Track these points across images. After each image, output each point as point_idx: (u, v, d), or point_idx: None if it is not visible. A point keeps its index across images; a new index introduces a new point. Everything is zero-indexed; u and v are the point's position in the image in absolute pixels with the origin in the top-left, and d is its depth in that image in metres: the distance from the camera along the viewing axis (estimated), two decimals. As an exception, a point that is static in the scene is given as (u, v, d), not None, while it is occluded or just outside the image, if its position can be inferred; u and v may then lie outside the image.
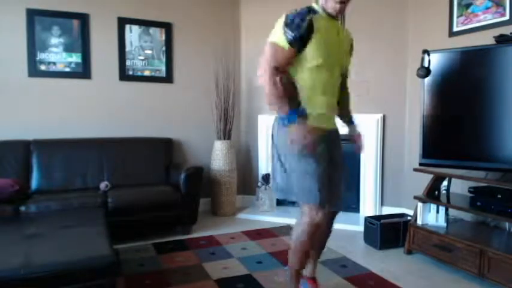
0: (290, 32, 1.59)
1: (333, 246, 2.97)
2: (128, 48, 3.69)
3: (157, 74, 3.83)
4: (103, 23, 3.58)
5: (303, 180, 1.69)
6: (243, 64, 4.13)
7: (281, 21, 1.62)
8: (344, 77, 1.97)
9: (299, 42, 1.60)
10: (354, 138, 2.00)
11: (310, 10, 1.66)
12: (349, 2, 1.69)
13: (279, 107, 1.63)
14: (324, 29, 1.64)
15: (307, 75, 1.69)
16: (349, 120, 2.07)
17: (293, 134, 1.57)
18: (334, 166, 1.79)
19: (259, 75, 1.66)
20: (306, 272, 2.01)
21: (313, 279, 2.06)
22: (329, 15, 1.70)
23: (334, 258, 2.72)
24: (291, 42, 1.60)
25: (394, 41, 3.51)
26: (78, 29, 3.49)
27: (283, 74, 1.66)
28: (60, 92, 3.47)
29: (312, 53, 1.64)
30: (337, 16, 1.74)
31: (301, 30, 1.58)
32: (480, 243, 2.31)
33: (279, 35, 1.61)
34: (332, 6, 1.65)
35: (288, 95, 1.63)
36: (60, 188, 3.14)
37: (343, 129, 1.99)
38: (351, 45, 1.95)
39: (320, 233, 1.81)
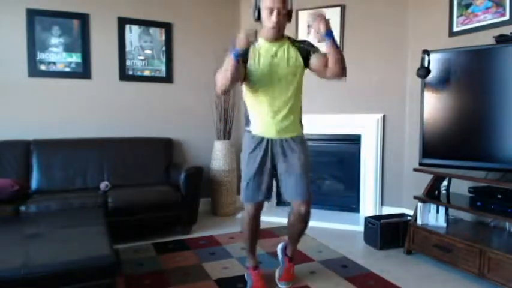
0: (234, 52, 1.83)
1: (333, 246, 2.97)
2: (127, 48, 3.69)
3: (157, 74, 3.83)
4: (103, 23, 3.59)
5: (242, 178, 2.12)
6: (243, 64, 4.13)
7: None
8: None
9: (241, 57, 1.88)
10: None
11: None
12: (283, 27, 1.95)
13: (228, 59, 1.87)
14: (259, 54, 1.98)
15: (248, 95, 2.07)
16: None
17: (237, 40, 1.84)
18: (277, 167, 2.08)
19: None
20: (287, 251, 2.34)
21: (288, 258, 2.34)
22: (269, 40, 1.98)
23: (334, 258, 2.72)
24: (235, 56, 1.84)
25: (394, 40, 3.51)
26: (78, 29, 3.49)
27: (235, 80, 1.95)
28: (60, 92, 3.47)
29: (249, 73, 1.99)
30: (278, 37, 1.98)
31: (239, 50, 1.83)
32: (480, 243, 2.31)
33: (227, 57, 1.89)
34: (269, 33, 1.96)
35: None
36: (60, 188, 3.14)
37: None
38: (305, 51, 2.01)
39: (255, 225, 2.18)
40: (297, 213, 2.11)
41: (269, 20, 1.91)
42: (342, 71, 1.93)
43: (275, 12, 1.88)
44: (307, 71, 2.08)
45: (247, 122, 2.14)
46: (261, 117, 2.04)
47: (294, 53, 2.01)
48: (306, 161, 2.07)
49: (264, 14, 1.92)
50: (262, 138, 2.06)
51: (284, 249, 2.38)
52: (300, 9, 3.69)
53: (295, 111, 2.08)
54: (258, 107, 2.05)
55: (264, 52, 1.99)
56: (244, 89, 2.09)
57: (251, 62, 1.99)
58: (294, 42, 2.05)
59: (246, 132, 2.15)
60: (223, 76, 1.90)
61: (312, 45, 2.04)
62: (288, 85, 2.00)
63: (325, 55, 1.95)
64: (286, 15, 1.95)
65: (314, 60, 2.00)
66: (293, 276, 2.33)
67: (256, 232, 2.23)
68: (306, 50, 2.02)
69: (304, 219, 2.13)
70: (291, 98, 2.02)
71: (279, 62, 1.98)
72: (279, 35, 1.98)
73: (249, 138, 2.10)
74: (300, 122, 2.14)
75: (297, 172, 2.04)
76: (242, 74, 1.99)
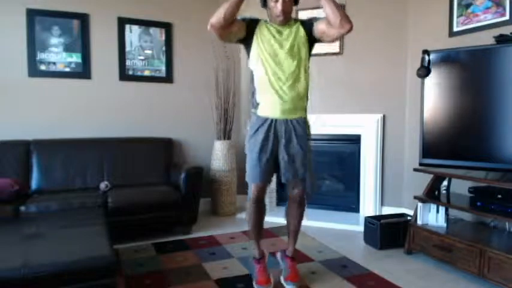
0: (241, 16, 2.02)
1: (333, 246, 2.97)
2: (127, 48, 3.69)
3: (157, 74, 3.83)
4: (103, 23, 3.58)
5: (247, 160, 2.15)
6: (243, 64, 4.13)
7: None
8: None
9: (247, 21, 2.06)
10: None
11: (259, 19, 2.08)
12: (289, 13, 2.01)
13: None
14: (265, 32, 2.04)
15: (255, 75, 2.10)
16: None
17: None
18: (280, 148, 2.09)
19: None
20: (288, 252, 2.35)
21: (290, 258, 2.33)
22: (277, 24, 2.05)
23: (334, 258, 2.72)
24: (241, 18, 2.04)
25: (394, 40, 3.51)
26: (78, 29, 3.49)
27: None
28: (60, 92, 3.47)
29: (252, 56, 2.07)
30: (285, 23, 2.05)
31: (248, 19, 2.05)
32: (480, 243, 2.31)
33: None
34: (273, 19, 2.04)
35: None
36: (60, 188, 3.14)
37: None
38: (309, 25, 2.07)
39: (261, 207, 2.21)
40: (292, 196, 2.20)
41: (275, 8, 1.97)
42: (342, 20, 1.91)
43: (280, 0, 1.95)
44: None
45: (254, 105, 2.16)
46: (267, 96, 2.07)
47: (299, 30, 2.06)
48: (308, 147, 2.12)
49: (270, 3, 1.99)
50: (266, 119, 2.08)
51: (283, 253, 2.39)
52: (300, 9, 3.69)
53: (301, 93, 2.09)
54: (263, 86, 2.07)
55: (270, 32, 2.04)
56: (251, 69, 2.12)
57: (258, 36, 2.04)
58: (302, 23, 2.09)
59: (252, 113, 2.18)
60: (222, 8, 1.95)
61: (313, 19, 2.09)
62: (294, 64, 2.03)
63: (326, 18, 1.98)
64: (292, 1, 2.01)
65: (317, 25, 2.05)
66: (298, 277, 2.28)
67: (261, 221, 2.26)
68: (309, 24, 2.07)
69: (299, 202, 2.21)
70: (297, 79, 2.05)
71: (284, 40, 2.03)
72: (285, 22, 2.04)
73: (254, 120, 2.13)
74: (305, 109, 2.16)
75: (297, 156, 2.08)
76: (233, 30, 2.03)
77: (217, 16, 1.94)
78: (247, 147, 2.16)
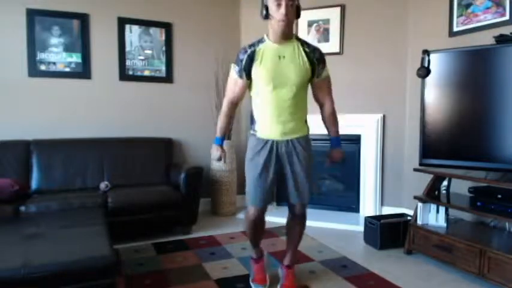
0: (236, 67, 2.03)
1: (333, 246, 2.97)
2: (128, 48, 3.69)
3: (157, 74, 3.83)
4: (103, 23, 3.58)
5: (247, 181, 2.12)
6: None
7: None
8: (302, 95, 2.07)
9: (244, 73, 2.01)
10: (330, 155, 2.21)
11: (256, 42, 2.01)
12: (291, 22, 1.94)
13: (217, 130, 2.21)
14: (265, 57, 1.97)
15: (255, 96, 2.07)
16: (331, 141, 2.20)
17: (212, 151, 2.22)
18: (282, 170, 2.08)
19: None
20: (285, 261, 2.29)
21: (287, 267, 2.26)
22: (277, 41, 1.97)
23: (334, 258, 2.72)
24: (239, 75, 2.03)
25: (394, 40, 3.51)
26: (78, 29, 3.49)
27: (236, 104, 2.16)
28: (60, 92, 3.47)
29: (254, 79, 2.01)
30: (286, 38, 1.97)
31: (243, 64, 1.99)
32: (480, 243, 2.31)
33: (231, 71, 2.07)
34: (277, 30, 1.93)
35: (223, 127, 2.19)
36: (60, 188, 3.14)
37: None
38: (312, 61, 2.00)
39: (260, 224, 2.20)
40: (294, 213, 2.17)
41: (277, 13, 1.87)
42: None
43: (283, 4, 1.85)
44: None
45: (253, 122, 2.13)
46: (267, 118, 2.03)
47: (303, 57, 1.98)
48: (308, 165, 2.08)
49: (273, 8, 1.88)
50: (267, 141, 2.04)
51: (281, 265, 2.31)
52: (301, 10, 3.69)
53: (301, 112, 2.07)
54: (263, 108, 2.03)
55: (270, 54, 1.97)
56: (251, 90, 2.09)
57: (257, 64, 1.97)
58: (304, 44, 2.01)
59: (251, 135, 2.13)
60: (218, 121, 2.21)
61: (321, 60, 2.03)
62: (295, 87, 1.98)
63: (325, 80, 2.08)
64: (294, 10, 1.92)
65: (316, 87, 2.09)
66: (295, 286, 2.21)
67: (260, 232, 2.24)
68: (314, 63, 2.00)
69: (301, 219, 2.19)
70: (297, 100, 2.01)
71: (286, 64, 1.96)
72: (287, 31, 1.94)
73: (254, 141, 2.08)
74: (305, 121, 2.13)
75: (300, 177, 2.05)
76: (242, 95, 2.12)
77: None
78: (248, 167, 2.10)
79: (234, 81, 2.07)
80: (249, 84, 2.07)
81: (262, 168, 2.03)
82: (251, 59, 1.97)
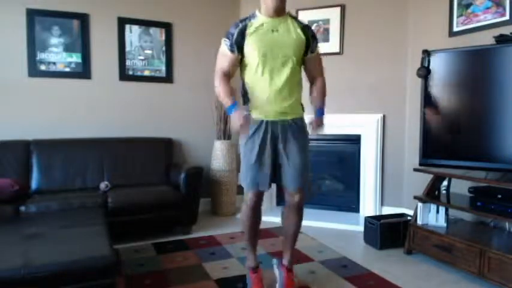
0: (227, 41, 1.97)
1: (333, 246, 2.97)
2: (128, 48, 3.70)
3: (157, 74, 3.83)
4: (103, 23, 3.59)
5: (242, 165, 2.04)
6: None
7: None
8: (299, 67, 2.04)
9: (235, 47, 1.95)
10: (312, 122, 2.11)
11: (248, 17, 1.97)
12: None
13: (225, 103, 1.99)
14: (258, 30, 1.92)
15: (247, 73, 2.00)
16: (316, 111, 2.13)
17: (232, 120, 1.96)
18: (278, 152, 1.99)
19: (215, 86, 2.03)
20: (284, 261, 2.22)
21: (288, 269, 2.19)
22: (270, 15, 1.93)
23: (334, 258, 2.72)
24: (229, 49, 1.96)
25: (394, 40, 3.51)
26: (78, 29, 3.49)
27: (229, 77, 2.03)
28: (60, 92, 3.47)
29: (247, 54, 1.95)
30: (279, 13, 1.93)
31: (234, 37, 1.93)
32: (480, 243, 2.31)
33: (222, 45, 2.01)
34: (270, 5, 1.89)
35: (228, 94, 1.98)
36: (60, 188, 3.14)
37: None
38: (307, 36, 1.98)
39: (258, 215, 2.12)
40: (291, 202, 2.06)
41: None
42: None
43: None
44: None
45: (245, 102, 2.03)
46: (261, 96, 1.95)
47: (297, 30, 1.95)
48: (306, 145, 2.03)
49: None
50: (261, 121, 1.96)
51: (279, 262, 2.26)
52: (300, 9, 3.69)
53: (296, 91, 2.01)
54: (257, 85, 1.96)
55: (263, 27, 1.91)
56: (243, 66, 2.01)
57: (249, 38, 1.91)
58: (297, 20, 1.99)
59: None
60: (219, 94, 2.02)
61: (314, 36, 2.02)
62: (289, 61, 1.93)
63: (318, 55, 2.07)
64: None
65: (309, 62, 2.06)
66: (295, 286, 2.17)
67: (256, 226, 2.16)
68: (309, 38, 1.98)
69: (298, 208, 2.08)
70: (293, 76, 1.96)
71: (280, 37, 1.91)
72: (281, 5, 1.90)
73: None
74: (301, 103, 2.07)
75: (296, 161, 1.98)
76: (234, 71, 2.04)
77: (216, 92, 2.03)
78: (242, 150, 2.03)
79: (224, 56, 1.99)
80: (240, 60, 1.99)
81: (258, 151, 1.95)
82: (243, 33, 1.91)
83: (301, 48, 1.96)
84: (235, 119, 1.90)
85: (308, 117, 2.11)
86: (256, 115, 1.97)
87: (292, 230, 2.17)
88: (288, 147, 1.98)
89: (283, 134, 1.98)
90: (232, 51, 1.95)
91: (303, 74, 2.10)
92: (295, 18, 2.01)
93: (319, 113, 2.12)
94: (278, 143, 1.98)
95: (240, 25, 1.93)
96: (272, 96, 1.94)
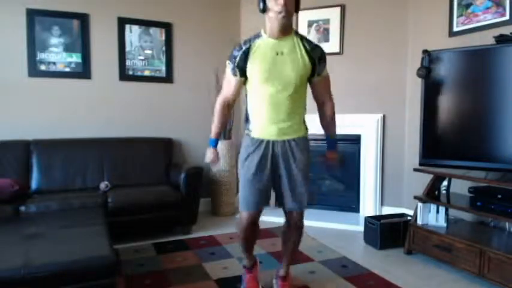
0: (230, 64, 1.92)
1: (333, 246, 2.97)
2: (128, 48, 3.69)
3: (157, 74, 3.83)
4: (103, 23, 3.58)
5: (240, 187, 2.01)
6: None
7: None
8: (299, 94, 1.94)
9: (238, 71, 1.91)
10: (325, 156, 2.10)
11: (253, 37, 1.90)
12: (291, 14, 1.82)
13: (212, 131, 2.12)
14: (261, 53, 1.86)
15: (250, 94, 1.98)
16: (328, 143, 2.12)
17: (207, 153, 2.12)
18: (278, 171, 1.96)
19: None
20: (280, 272, 2.20)
21: (282, 278, 2.18)
22: (275, 37, 1.85)
23: (334, 258, 2.72)
24: (232, 73, 1.93)
25: (394, 40, 3.51)
26: (78, 29, 3.49)
27: (229, 105, 2.06)
28: (60, 92, 3.47)
29: (249, 76, 1.90)
30: (285, 33, 1.85)
31: (237, 61, 1.88)
32: (480, 243, 2.31)
33: (226, 68, 1.96)
34: (275, 24, 1.82)
35: (219, 125, 2.10)
36: (60, 188, 3.14)
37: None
38: (312, 59, 1.88)
39: (253, 231, 2.06)
40: (291, 221, 2.04)
41: (276, 4, 1.74)
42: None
43: None
44: None
45: (247, 121, 2.02)
46: (262, 116, 1.91)
47: (303, 53, 1.86)
48: (306, 168, 1.97)
49: (271, 0, 1.76)
50: (262, 141, 1.93)
51: (276, 273, 2.23)
52: (300, 9, 3.68)
53: (299, 112, 1.95)
54: (259, 106, 1.92)
55: (267, 49, 1.84)
56: (246, 87, 1.98)
57: (252, 61, 1.85)
58: (304, 40, 1.88)
59: (245, 135, 2.02)
60: (213, 121, 2.10)
61: (322, 58, 1.91)
62: (293, 85, 1.85)
63: (326, 78, 1.98)
64: (293, 1, 1.80)
65: (316, 85, 1.97)
66: None
67: (252, 238, 2.12)
68: (315, 61, 1.88)
69: (298, 228, 2.06)
70: (295, 98, 1.89)
71: (284, 60, 1.84)
72: (287, 25, 1.82)
73: (248, 141, 1.97)
74: (304, 122, 2.01)
75: (296, 180, 1.94)
76: (236, 95, 2.04)
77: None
78: (241, 169, 1.98)
79: (227, 80, 1.98)
80: (244, 82, 1.95)
81: (256, 170, 1.91)
82: (246, 56, 1.85)
83: (305, 72, 1.87)
84: (209, 154, 2.09)
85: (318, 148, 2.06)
86: (257, 134, 1.95)
87: (291, 248, 2.14)
88: (288, 167, 1.94)
89: (284, 154, 1.93)
90: (234, 74, 1.93)
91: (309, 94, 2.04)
92: (303, 37, 1.91)
93: (332, 145, 2.10)
94: (278, 163, 1.94)
95: (244, 47, 1.87)
96: (272, 119, 1.90)
